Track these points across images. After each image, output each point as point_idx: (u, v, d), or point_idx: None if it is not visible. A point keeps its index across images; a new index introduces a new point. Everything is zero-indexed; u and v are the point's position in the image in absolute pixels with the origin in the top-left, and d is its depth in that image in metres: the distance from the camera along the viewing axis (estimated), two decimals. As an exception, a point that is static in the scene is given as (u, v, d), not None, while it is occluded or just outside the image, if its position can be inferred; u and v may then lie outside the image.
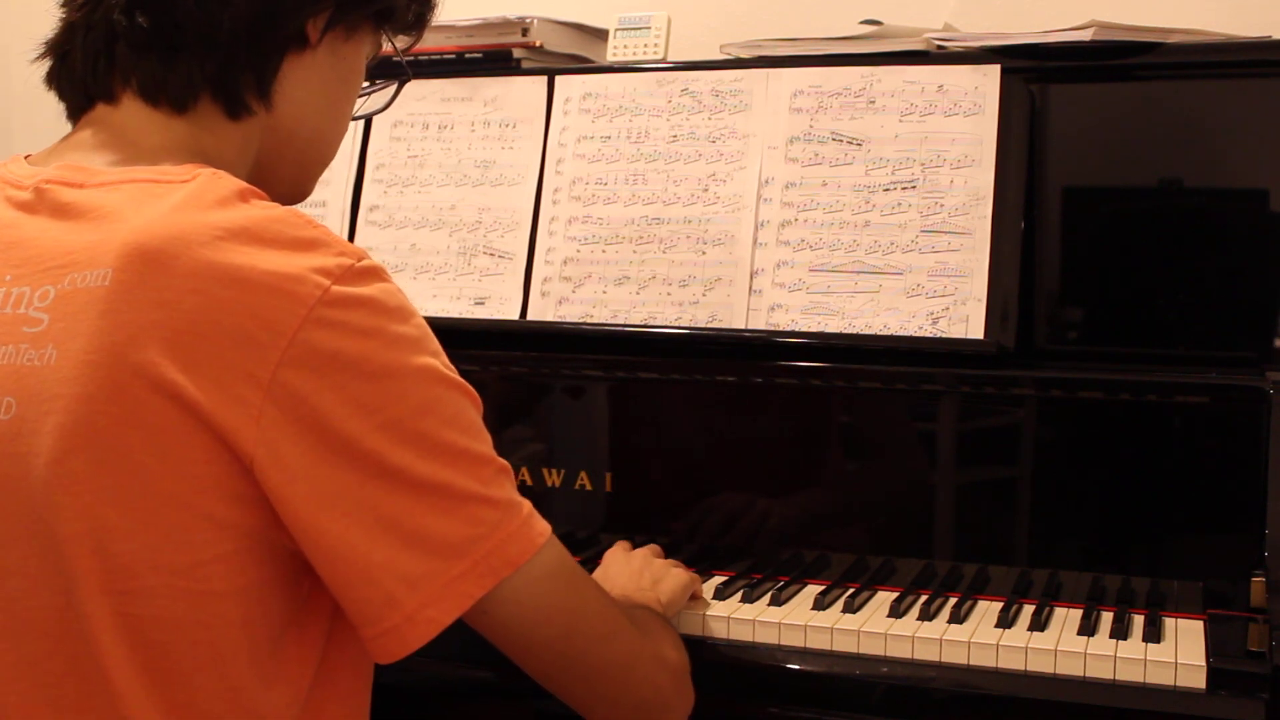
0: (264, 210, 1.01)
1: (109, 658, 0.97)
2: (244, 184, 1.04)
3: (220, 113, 1.10)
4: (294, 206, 1.04)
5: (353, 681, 1.09)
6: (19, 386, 0.98)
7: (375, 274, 1.01)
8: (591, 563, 1.50)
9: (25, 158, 1.13)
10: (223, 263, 0.96)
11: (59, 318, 0.98)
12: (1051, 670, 1.28)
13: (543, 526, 1.05)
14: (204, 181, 1.02)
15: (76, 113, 1.13)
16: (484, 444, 1.03)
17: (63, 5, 1.13)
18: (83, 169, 1.05)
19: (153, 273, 0.96)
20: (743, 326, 1.62)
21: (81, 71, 1.10)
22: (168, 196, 1.00)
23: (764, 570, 1.54)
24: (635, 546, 1.56)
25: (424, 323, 1.03)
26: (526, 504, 1.05)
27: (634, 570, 1.41)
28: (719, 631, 1.39)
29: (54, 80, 1.13)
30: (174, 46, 1.07)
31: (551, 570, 1.05)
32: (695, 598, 1.44)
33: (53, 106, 1.14)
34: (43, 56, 1.13)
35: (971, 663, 1.31)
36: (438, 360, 1.02)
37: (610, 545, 1.53)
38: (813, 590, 1.47)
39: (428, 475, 0.98)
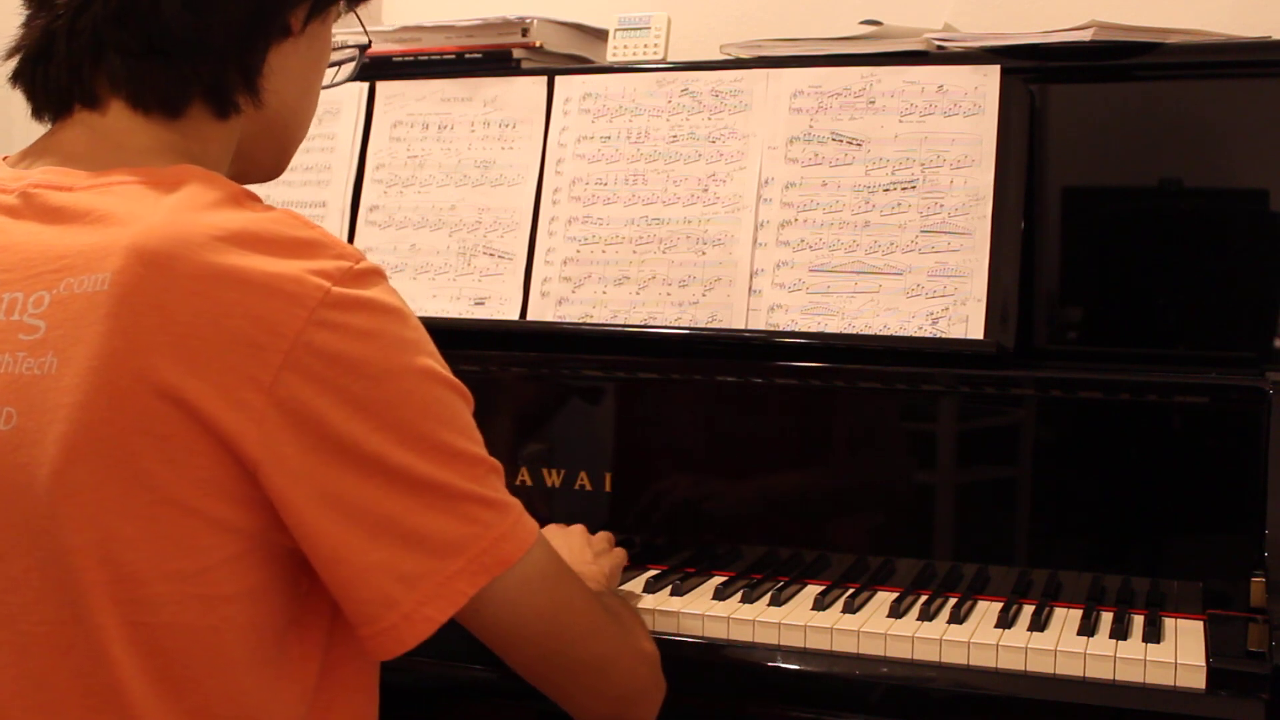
0: (260, 213, 1.01)
1: (120, 668, 0.97)
2: (237, 186, 1.04)
3: (210, 114, 1.09)
4: (290, 209, 1.04)
5: (359, 675, 1.09)
6: (19, 397, 0.98)
7: (374, 275, 1.01)
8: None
9: (2, 159, 1.12)
10: (223, 265, 0.95)
11: (56, 324, 0.97)
12: (1051, 670, 1.28)
13: (532, 526, 1.06)
14: (197, 184, 1.02)
15: (51, 114, 1.11)
16: (478, 444, 1.04)
17: (37, 11, 1.09)
18: (70, 173, 1.04)
19: (152, 276, 0.95)
20: (743, 326, 1.62)
21: (66, 79, 1.08)
22: (161, 199, 1.00)
23: (764, 570, 1.54)
24: (635, 547, 1.57)
25: (420, 323, 1.04)
26: (517, 504, 1.06)
27: (574, 546, 1.44)
28: (719, 632, 1.39)
29: (25, 82, 1.11)
30: (165, 53, 1.06)
31: (540, 569, 1.06)
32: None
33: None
34: (11, 56, 1.11)
35: (971, 663, 1.31)
36: (435, 361, 1.03)
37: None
38: (813, 590, 1.47)
39: (427, 475, 0.99)
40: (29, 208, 1.03)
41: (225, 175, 1.14)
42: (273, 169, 1.22)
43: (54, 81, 1.08)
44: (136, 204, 1.00)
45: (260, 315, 0.95)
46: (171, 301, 0.95)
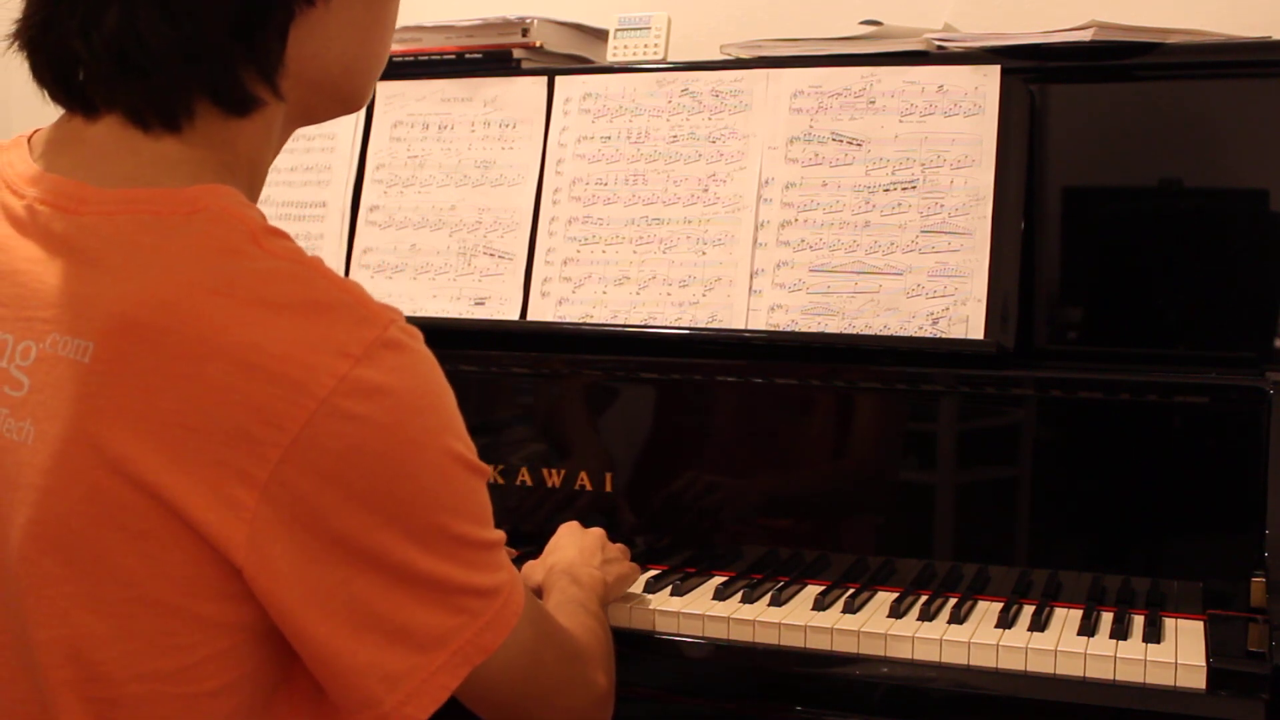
0: (275, 263, 0.89)
1: None
2: (256, 221, 0.92)
3: (223, 115, 0.96)
4: (316, 257, 0.92)
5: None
6: None
7: (403, 346, 0.90)
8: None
9: (29, 139, 1.01)
10: (219, 342, 0.85)
11: (38, 386, 0.89)
12: (1051, 670, 1.28)
13: (518, 602, 0.99)
14: (207, 219, 0.91)
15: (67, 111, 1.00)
16: (486, 525, 0.97)
17: (18, 22, 0.97)
18: (77, 189, 0.93)
19: (138, 354, 0.86)
20: (743, 326, 1.62)
21: (52, 91, 0.97)
22: (165, 237, 0.90)
23: (764, 570, 1.54)
24: (636, 547, 1.56)
25: (449, 396, 0.94)
26: (508, 579, 0.98)
27: (586, 547, 1.40)
28: (719, 632, 1.39)
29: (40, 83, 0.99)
30: (145, 67, 0.93)
31: (522, 647, 1.00)
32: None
33: (53, 105, 1.08)
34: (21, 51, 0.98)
35: (971, 663, 1.31)
36: (455, 439, 0.93)
37: (610, 545, 1.54)
38: (813, 590, 1.47)
39: (426, 569, 0.92)
40: (34, 225, 0.93)
41: (275, 153, 1.04)
42: (349, 108, 1.07)
43: (51, 88, 0.98)
44: (135, 242, 0.90)
45: (260, 405, 0.84)
46: (157, 385, 0.85)
